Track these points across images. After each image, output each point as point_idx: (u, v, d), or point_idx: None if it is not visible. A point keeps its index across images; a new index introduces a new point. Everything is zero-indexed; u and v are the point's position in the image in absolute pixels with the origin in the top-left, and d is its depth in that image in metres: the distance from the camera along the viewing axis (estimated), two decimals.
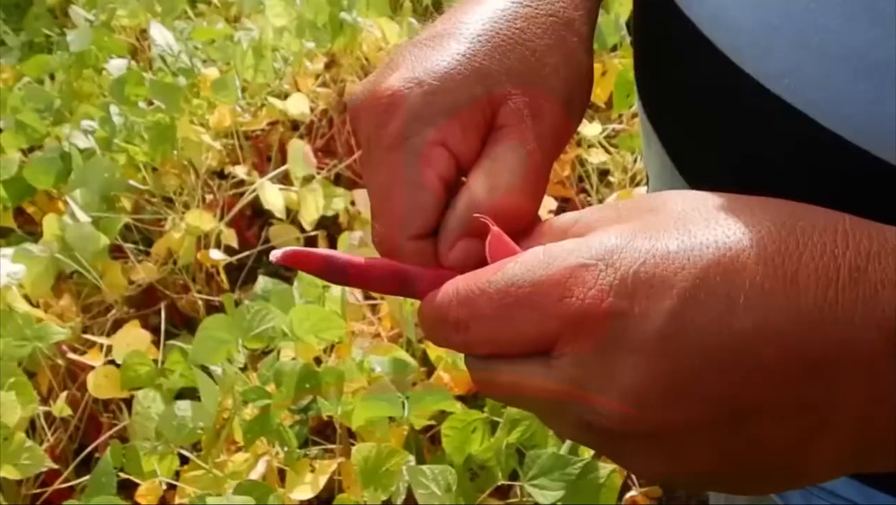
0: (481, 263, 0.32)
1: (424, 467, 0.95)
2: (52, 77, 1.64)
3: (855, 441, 0.27)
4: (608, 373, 0.27)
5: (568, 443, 1.10)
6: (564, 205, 1.50)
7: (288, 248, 0.32)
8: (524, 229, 0.34)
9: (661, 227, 0.28)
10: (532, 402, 0.31)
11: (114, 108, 1.44)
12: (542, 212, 1.33)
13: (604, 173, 1.53)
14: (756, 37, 0.34)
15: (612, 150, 1.50)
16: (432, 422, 1.08)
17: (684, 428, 0.27)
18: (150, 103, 1.49)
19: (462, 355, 0.32)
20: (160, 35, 1.52)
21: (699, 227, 0.28)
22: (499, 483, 1.04)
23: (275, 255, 0.32)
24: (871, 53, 0.31)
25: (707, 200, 0.29)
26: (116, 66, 1.57)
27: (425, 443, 1.12)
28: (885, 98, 0.31)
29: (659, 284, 0.27)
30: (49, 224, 1.27)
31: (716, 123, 0.38)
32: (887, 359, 0.26)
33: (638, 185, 1.46)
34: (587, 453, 1.07)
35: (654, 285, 0.27)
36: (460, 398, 1.17)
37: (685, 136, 0.41)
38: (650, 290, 0.27)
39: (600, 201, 1.46)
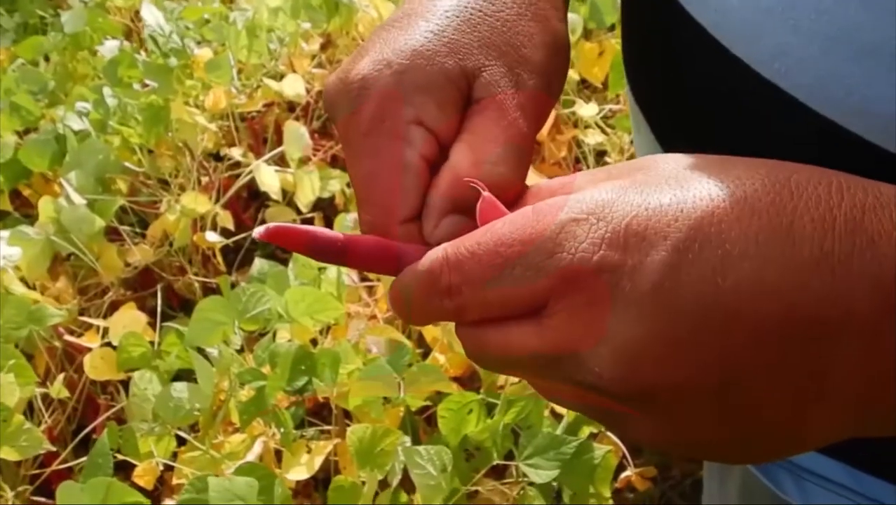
0: None
1: (420, 448, 0.95)
2: (46, 59, 1.63)
3: (855, 403, 0.27)
4: (600, 329, 0.27)
5: (563, 423, 1.11)
6: None
7: (272, 224, 0.31)
8: (512, 202, 0.33)
9: (653, 183, 0.28)
10: (526, 366, 0.30)
11: (107, 91, 1.43)
12: None
13: (600, 154, 1.53)
14: (746, 19, 0.34)
15: (608, 130, 1.50)
16: (428, 403, 1.09)
17: (678, 389, 0.26)
18: (145, 85, 1.49)
19: (457, 338, 0.32)
20: (151, 15, 1.51)
21: (692, 181, 0.27)
22: (494, 463, 1.04)
23: (258, 231, 0.31)
24: (863, 35, 0.30)
25: (699, 159, 0.29)
26: (109, 47, 1.57)
27: (421, 424, 1.13)
28: (876, 81, 0.31)
29: (652, 235, 0.26)
30: (45, 206, 1.27)
31: (705, 109, 0.38)
32: (885, 316, 0.25)
33: None
34: (583, 434, 1.07)
35: (647, 238, 0.26)
36: (456, 379, 1.17)
37: (674, 122, 0.41)
38: (643, 242, 0.26)
39: None
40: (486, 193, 0.31)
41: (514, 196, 0.33)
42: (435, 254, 0.30)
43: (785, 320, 0.25)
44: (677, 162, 0.29)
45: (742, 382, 0.26)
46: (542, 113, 0.35)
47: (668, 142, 0.42)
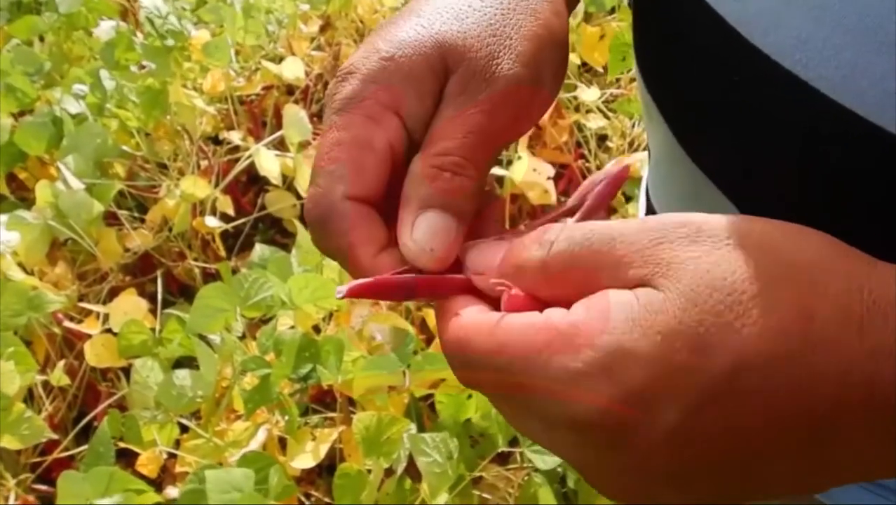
0: (449, 248, 0.32)
1: (425, 435, 0.95)
2: (41, 39, 1.61)
3: (862, 472, 0.29)
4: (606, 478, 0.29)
5: None
6: (562, 171, 1.49)
7: (352, 284, 0.32)
8: (470, 193, 0.33)
9: (678, 324, 0.27)
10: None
11: (104, 73, 1.41)
12: (541, 178, 1.33)
13: (602, 138, 1.52)
14: (766, 8, 0.33)
15: (610, 114, 1.49)
16: (432, 390, 1.08)
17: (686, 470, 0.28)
18: (142, 67, 1.47)
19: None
20: None
21: (715, 328, 0.26)
22: (499, 450, 1.04)
23: (339, 291, 0.32)
24: (888, 26, 0.30)
25: (736, 272, 0.27)
26: (105, 29, 1.54)
27: (425, 410, 1.12)
28: None
29: (665, 397, 0.27)
30: (42, 190, 1.25)
31: (722, 100, 0.37)
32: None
33: (636, 149, 1.45)
34: None
35: (662, 399, 0.27)
36: None
37: (688, 111, 0.40)
38: (656, 402, 0.27)
39: (598, 167, 1.44)
40: (513, 291, 0.30)
41: (469, 189, 0.33)
42: (455, 332, 0.30)
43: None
44: (711, 282, 0.27)
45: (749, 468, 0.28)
46: (524, 103, 0.35)
47: (680, 130, 0.41)
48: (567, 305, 0.28)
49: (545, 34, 0.36)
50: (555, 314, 0.28)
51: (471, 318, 0.30)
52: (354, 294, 0.32)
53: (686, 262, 0.27)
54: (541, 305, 0.29)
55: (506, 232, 0.34)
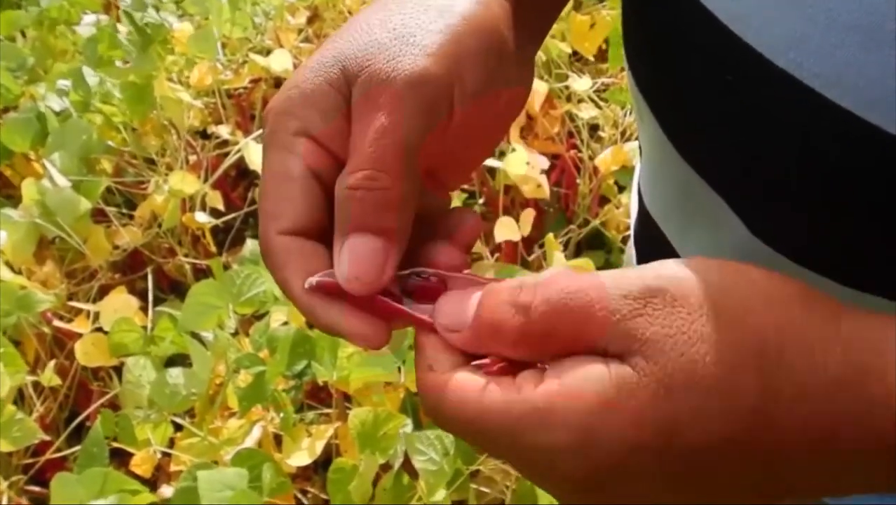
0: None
1: (421, 434, 0.94)
2: (23, 34, 1.59)
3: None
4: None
5: None
6: (554, 161, 1.48)
7: (321, 278, 0.32)
8: (395, 206, 0.32)
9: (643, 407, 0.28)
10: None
11: (87, 70, 1.39)
12: (534, 172, 1.32)
13: (594, 128, 1.51)
14: (759, 6, 0.32)
15: (602, 104, 1.48)
16: None
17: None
18: (127, 62, 1.45)
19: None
20: None
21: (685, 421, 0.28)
22: None
23: (309, 282, 0.32)
24: (886, 24, 0.29)
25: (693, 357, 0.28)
26: (88, 23, 1.52)
27: (421, 405, 1.12)
28: None
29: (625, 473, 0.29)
30: (28, 188, 1.24)
31: (713, 98, 0.36)
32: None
33: (628, 139, 1.45)
34: None
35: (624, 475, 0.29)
36: None
37: (679, 110, 0.39)
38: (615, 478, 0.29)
39: (591, 157, 1.44)
40: (494, 368, 0.31)
41: (392, 198, 0.32)
42: (434, 389, 0.31)
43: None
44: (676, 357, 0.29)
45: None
46: (435, 97, 0.33)
47: (672, 130, 0.40)
48: (542, 359, 0.29)
49: (460, 23, 0.34)
50: (529, 389, 0.29)
51: (454, 384, 0.30)
52: (319, 290, 0.32)
53: (661, 341, 0.28)
54: (517, 365, 0.30)
55: (473, 278, 0.33)
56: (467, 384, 0.30)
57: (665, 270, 0.30)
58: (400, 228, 0.32)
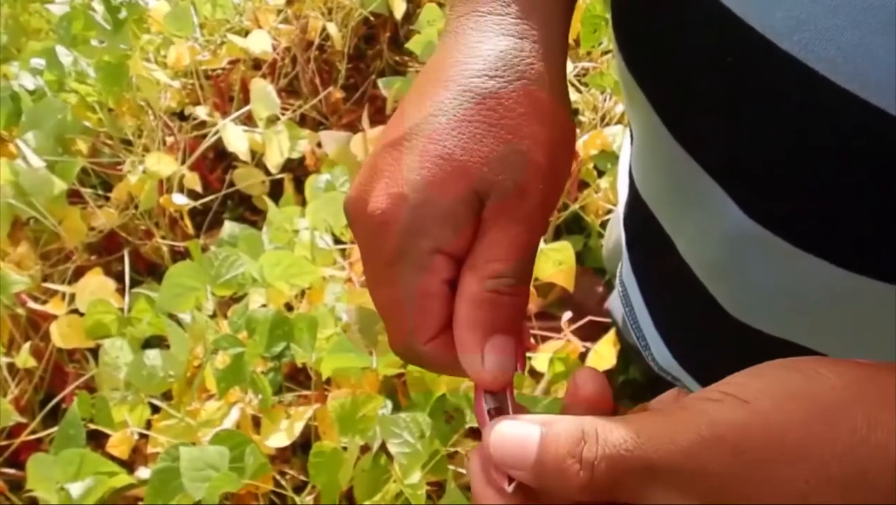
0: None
1: (396, 417, 0.94)
2: None
3: None
4: None
5: (542, 382, 1.11)
6: None
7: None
8: (525, 312, 0.35)
9: None
10: None
11: (61, 49, 1.37)
12: None
13: (574, 112, 1.51)
14: None
15: (582, 88, 1.48)
16: (402, 370, 1.08)
17: None
18: (103, 41, 1.42)
19: None
20: None
21: None
22: (470, 425, 1.04)
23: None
24: (891, 5, 0.29)
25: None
26: (61, 2, 1.49)
27: (400, 386, 1.12)
28: None
29: None
30: (2, 169, 1.22)
31: (713, 81, 0.36)
32: None
33: (608, 124, 1.45)
34: (556, 393, 1.08)
35: None
36: None
37: (675, 94, 0.39)
38: None
39: None
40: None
41: (525, 305, 0.35)
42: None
43: None
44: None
45: None
46: (550, 211, 0.37)
47: (668, 114, 0.40)
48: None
49: (559, 137, 0.36)
50: None
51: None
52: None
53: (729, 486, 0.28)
54: None
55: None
56: None
57: (720, 415, 0.29)
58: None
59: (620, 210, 0.57)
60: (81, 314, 1.11)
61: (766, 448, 0.28)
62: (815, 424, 0.27)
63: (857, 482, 0.27)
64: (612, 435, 0.29)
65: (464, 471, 1.09)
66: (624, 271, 0.57)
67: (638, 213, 0.50)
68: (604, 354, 1.09)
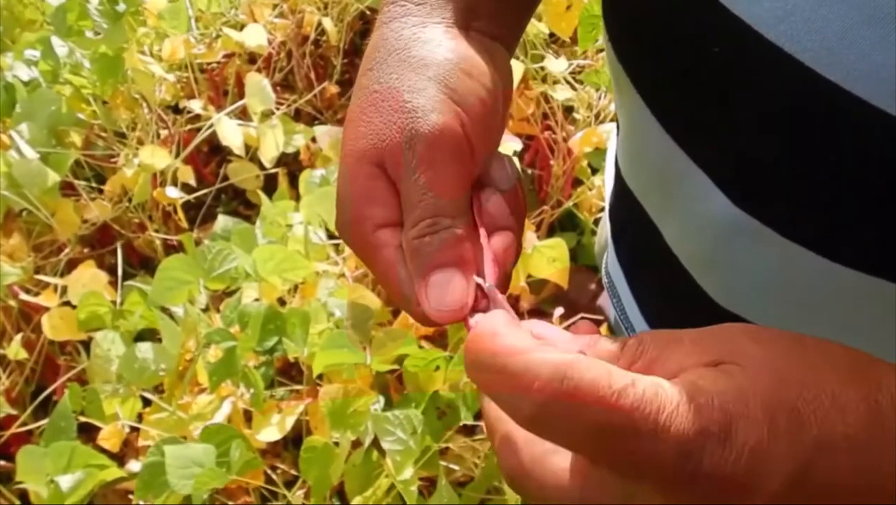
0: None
1: (389, 413, 0.94)
2: None
3: None
4: None
5: None
6: (528, 142, 1.49)
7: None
8: (461, 238, 0.37)
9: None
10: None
11: (57, 40, 1.37)
12: (507, 152, 1.32)
13: (569, 110, 1.51)
14: None
15: (577, 86, 1.48)
16: (396, 366, 1.08)
17: None
18: (98, 33, 1.42)
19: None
20: None
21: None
22: (464, 422, 1.04)
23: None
24: None
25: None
26: None
27: (392, 382, 1.12)
28: (888, 45, 0.30)
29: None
30: None
31: (699, 71, 0.37)
32: None
33: (602, 122, 1.45)
34: None
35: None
36: (426, 338, 1.16)
37: (662, 82, 0.39)
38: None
39: (565, 139, 1.44)
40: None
41: (456, 234, 0.36)
42: (554, 366, 0.28)
43: None
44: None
45: None
46: (458, 134, 0.37)
47: (658, 105, 0.40)
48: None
49: (444, 74, 0.38)
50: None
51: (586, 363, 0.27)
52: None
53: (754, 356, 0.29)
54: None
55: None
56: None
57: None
58: (469, 256, 0.37)
59: (607, 201, 0.57)
60: (73, 306, 1.11)
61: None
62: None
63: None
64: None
65: (456, 467, 1.09)
66: (610, 262, 0.58)
67: (624, 203, 0.50)
68: None
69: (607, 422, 0.26)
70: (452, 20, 0.40)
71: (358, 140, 0.38)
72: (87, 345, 1.09)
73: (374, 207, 0.38)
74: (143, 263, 1.34)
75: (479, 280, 0.36)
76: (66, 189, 1.31)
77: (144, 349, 1.02)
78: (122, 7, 1.43)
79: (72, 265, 1.20)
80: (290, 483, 1.04)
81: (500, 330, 0.28)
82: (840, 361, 0.29)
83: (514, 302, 1.23)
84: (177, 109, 1.46)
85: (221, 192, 1.42)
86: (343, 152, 0.39)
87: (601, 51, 1.55)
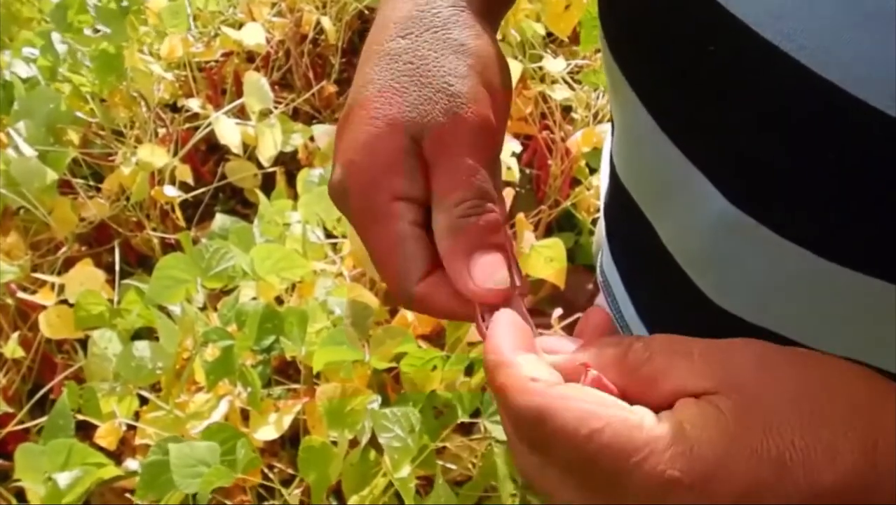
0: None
1: (387, 410, 0.95)
2: None
3: None
4: None
5: None
6: (527, 142, 1.49)
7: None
8: (500, 220, 0.37)
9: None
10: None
11: (56, 36, 1.36)
12: (505, 155, 1.32)
13: (567, 110, 1.51)
14: None
15: (575, 85, 1.48)
16: (394, 364, 1.08)
17: None
18: (97, 31, 1.42)
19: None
20: None
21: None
22: (461, 420, 1.05)
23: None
24: None
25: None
26: None
27: (389, 381, 1.12)
28: (887, 45, 0.30)
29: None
30: None
31: (694, 70, 0.37)
32: None
33: (600, 121, 1.45)
34: None
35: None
36: (424, 337, 1.16)
37: (658, 82, 0.39)
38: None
39: (563, 139, 1.44)
40: (592, 373, 0.32)
41: (497, 216, 0.37)
42: (536, 399, 0.30)
43: None
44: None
45: None
46: (491, 126, 0.38)
47: (652, 104, 0.40)
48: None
49: (476, 62, 0.39)
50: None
51: (563, 391, 0.30)
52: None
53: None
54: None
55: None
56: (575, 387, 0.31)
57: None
58: (507, 238, 0.37)
59: (602, 198, 0.57)
60: (71, 305, 1.11)
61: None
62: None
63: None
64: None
65: (452, 466, 1.09)
66: (604, 261, 0.58)
67: (619, 202, 0.50)
68: None
69: (577, 459, 0.29)
70: (476, 6, 0.41)
71: (391, 106, 0.38)
72: (84, 343, 1.09)
73: (398, 178, 0.37)
74: (140, 262, 1.34)
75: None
76: (64, 187, 1.31)
77: (142, 348, 1.02)
78: (125, 5, 1.43)
79: (69, 263, 1.20)
80: (286, 482, 1.05)
81: (504, 359, 0.31)
82: (847, 396, 0.30)
83: None
84: (175, 108, 1.46)
85: (219, 190, 1.42)
86: (368, 112, 0.38)
87: (599, 50, 1.55)
